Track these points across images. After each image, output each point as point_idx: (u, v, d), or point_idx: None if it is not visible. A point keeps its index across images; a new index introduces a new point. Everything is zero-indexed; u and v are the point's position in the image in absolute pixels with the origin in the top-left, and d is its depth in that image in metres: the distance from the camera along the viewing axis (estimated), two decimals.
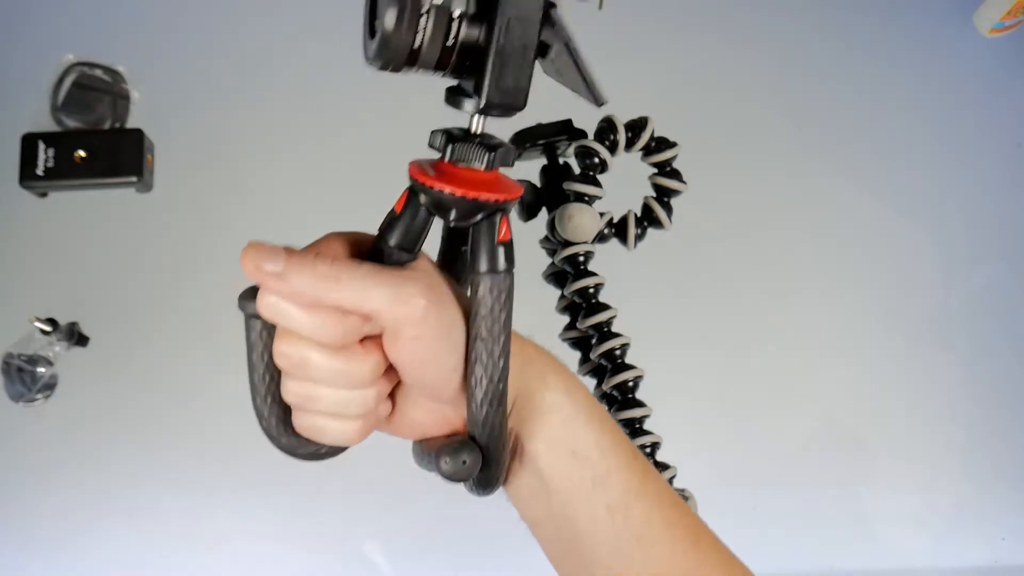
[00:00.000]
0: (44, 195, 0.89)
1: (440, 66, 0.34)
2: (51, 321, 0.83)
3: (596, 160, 0.57)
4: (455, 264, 0.41)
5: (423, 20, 0.32)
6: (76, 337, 0.84)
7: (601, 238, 0.59)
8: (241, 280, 0.36)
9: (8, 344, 0.83)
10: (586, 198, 0.57)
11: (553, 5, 0.33)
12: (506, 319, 0.36)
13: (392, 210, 0.37)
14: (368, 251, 0.37)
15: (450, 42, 0.33)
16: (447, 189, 0.34)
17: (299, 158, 0.92)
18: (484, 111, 0.34)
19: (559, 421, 0.39)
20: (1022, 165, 0.99)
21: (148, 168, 0.89)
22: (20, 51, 0.93)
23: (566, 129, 0.58)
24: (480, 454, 0.37)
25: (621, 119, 0.57)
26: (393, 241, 0.36)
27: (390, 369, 0.37)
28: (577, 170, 0.58)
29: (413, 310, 0.34)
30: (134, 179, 0.87)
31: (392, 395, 0.39)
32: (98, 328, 0.86)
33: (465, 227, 0.36)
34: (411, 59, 0.33)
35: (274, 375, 0.37)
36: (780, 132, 0.97)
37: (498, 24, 0.32)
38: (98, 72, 0.91)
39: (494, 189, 0.35)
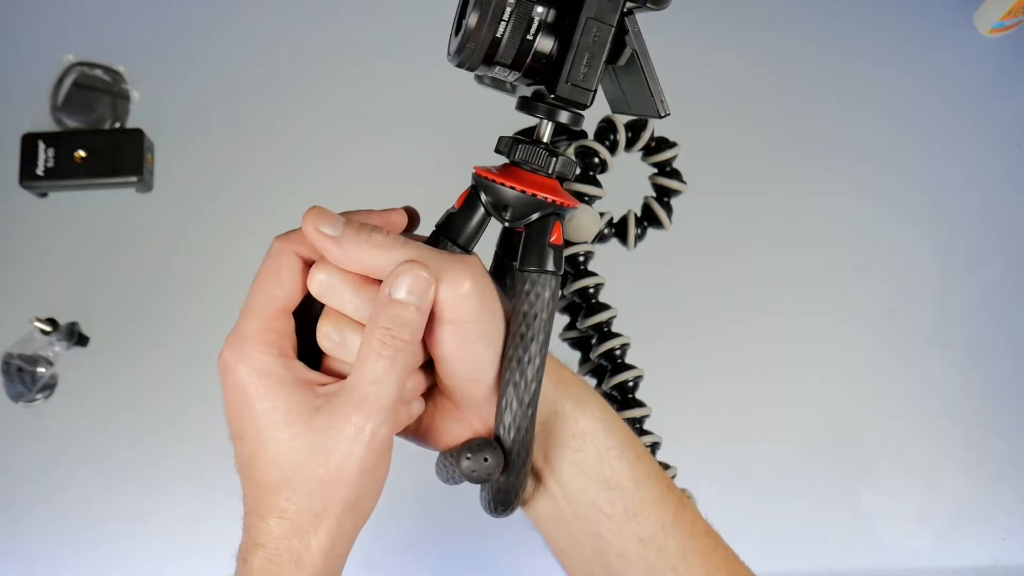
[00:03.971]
0: (44, 195, 0.89)
1: (516, 66, 0.36)
2: (51, 321, 0.83)
3: (596, 160, 0.57)
4: (503, 281, 0.42)
5: (505, 18, 0.34)
6: (76, 337, 0.84)
7: (601, 238, 0.59)
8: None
9: (8, 344, 0.83)
10: (586, 198, 0.57)
11: (630, 13, 0.35)
12: (547, 320, 0.36)
13: (451, 208, 0.38)
14: (424, 242, 0.38)
15: (529, 37, 0.35)
16: (508, 183, 0.36)
17: (300, 157, 0.92)
18: (551, 111, 0.37)
19: (593, 448, 0.38)
20: (1022, 165, 0.99)
21: (148, 168, 0.89)
22: (20, 51, 0.93)
23: (566, 129, 0.58)
24: (503, 456, 0.37)
25: (621, 119, 0.57)
26: (449, 236, 0.38)
27: (428, 368, 0.38)
28: (577, 170, 0.58)
29: (457, 290, 0.34)
30: (134, 179, 0.87)
31: (426, 400, 0.39)
32: (98, 328, 0.86)
33: (519, 228, 0.38)
34: (489, 56, 0.35)
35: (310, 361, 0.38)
36: (779, 132, 0.97)
37: (578, 23, 0.34)
38: (98, 72, 0.91)
39: (553, 193, 0.37)
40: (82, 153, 0.87)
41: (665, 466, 0.57)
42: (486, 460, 0.36)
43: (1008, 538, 0.86)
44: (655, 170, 0.60)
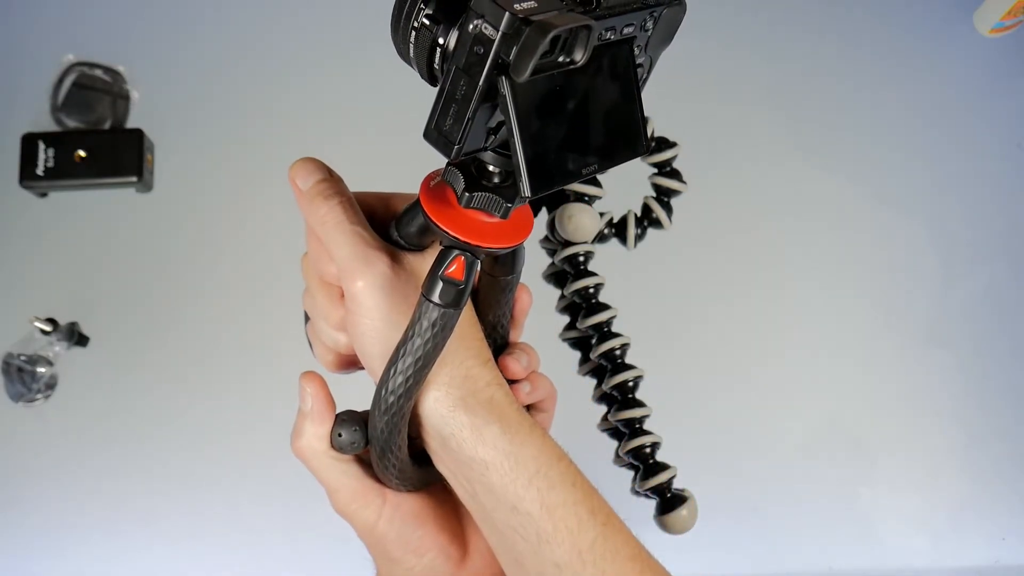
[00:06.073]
0: (44, 195, 0.89)
1: (432, 82, 0.34)
2: (51, 321, 0.83)
3: None
4: (491, 288, 0.43)
5: (412, 40, 0.33)
6: (76, 337, 0.84)
7: (601, 238, 0.59)
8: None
9: (8, 344, 0.83)
10: (586, 198, 0.57)
11: (504, 75, 0.30)
12: (421, 345, 0.36)
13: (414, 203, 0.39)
14: (382, 226, 0.40)
15: (436, 65, 0.33)
16: (425, 203, 0.36)
17: (300, 158, 0.92)
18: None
19: (496, 475, 0.38)
20: (1022, 165, 0.99)
21: (148, 168, 0.89)
22: (20, 51, 0.93)
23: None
24: (362, 439, 0.40)
25: None
26: (398, 229, 0.39)
27: None
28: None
29: (350, 285, 0.38)
30: (134, 179, 0.87)
31: None
32: (98, 328, 0.86)
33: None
34: (406, 57, 0.35)
35: None
36: (779, 132, 0.97)
37: (447, 68, 0.31)
38: (98, 72, 0.91)
39: (466, 229, 0.36)
40: (82, 153, 0.87)
41: (665, 466, 0.57)
42: (340, 435, 0.40)
43: (1008, 538, 0.86)
44: (655, 170, 0.60)
